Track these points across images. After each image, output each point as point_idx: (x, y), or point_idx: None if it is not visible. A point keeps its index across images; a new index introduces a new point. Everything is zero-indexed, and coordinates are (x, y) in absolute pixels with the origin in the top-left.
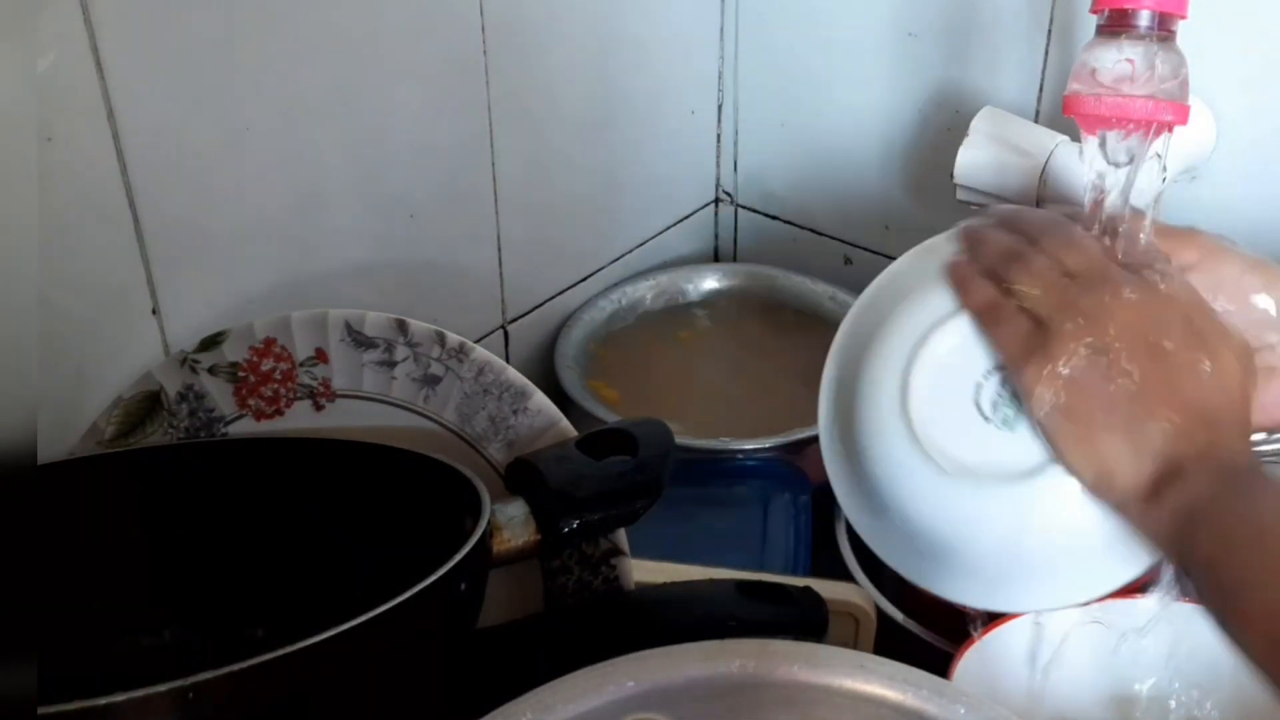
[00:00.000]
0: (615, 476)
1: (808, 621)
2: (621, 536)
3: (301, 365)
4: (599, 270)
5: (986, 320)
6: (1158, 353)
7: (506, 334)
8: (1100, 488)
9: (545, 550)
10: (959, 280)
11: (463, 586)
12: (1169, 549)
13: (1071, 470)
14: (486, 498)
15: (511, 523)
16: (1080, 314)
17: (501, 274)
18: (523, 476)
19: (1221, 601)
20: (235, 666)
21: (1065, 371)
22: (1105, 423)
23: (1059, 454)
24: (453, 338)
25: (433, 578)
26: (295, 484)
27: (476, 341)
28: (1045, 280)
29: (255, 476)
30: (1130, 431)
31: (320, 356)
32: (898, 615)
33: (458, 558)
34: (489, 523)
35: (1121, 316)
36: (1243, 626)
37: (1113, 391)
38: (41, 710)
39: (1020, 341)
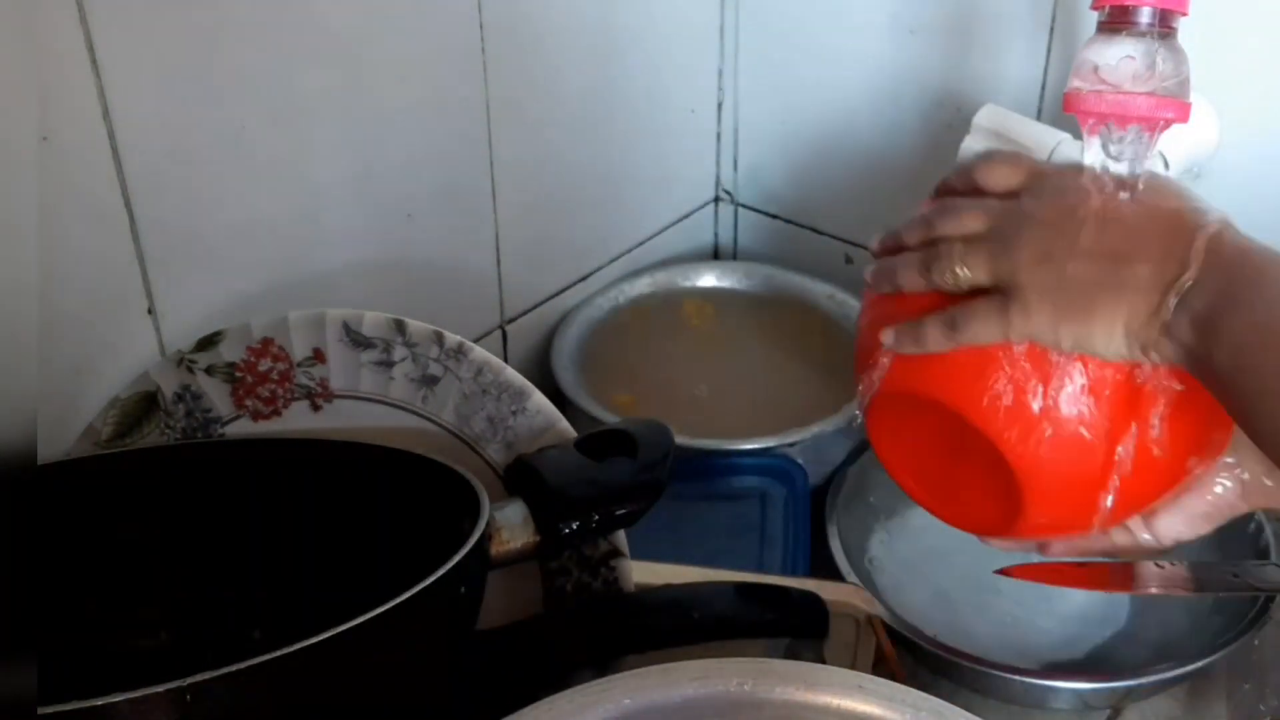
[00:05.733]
0: (615, 477)
1: (808, 623)
2: (621, 538)
3: (299, 365)
4: (598, 269)
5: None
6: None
7: (505, 334)
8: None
9: (544, 552)
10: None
11: (461, 588)
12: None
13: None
14: (485, 499)
15: (510, 524)
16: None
17: (500, 273)
18: (522, 477)
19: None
20: (233, 667)
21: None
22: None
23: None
24: (451, 338)
25: (431, 579)
26: (292, 485)
27: (475, 341)
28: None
29: (252, 477)
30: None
31: (318, 357)
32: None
33: (456, 559)
34: (488, 524)
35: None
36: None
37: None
38: (41, 710)
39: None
